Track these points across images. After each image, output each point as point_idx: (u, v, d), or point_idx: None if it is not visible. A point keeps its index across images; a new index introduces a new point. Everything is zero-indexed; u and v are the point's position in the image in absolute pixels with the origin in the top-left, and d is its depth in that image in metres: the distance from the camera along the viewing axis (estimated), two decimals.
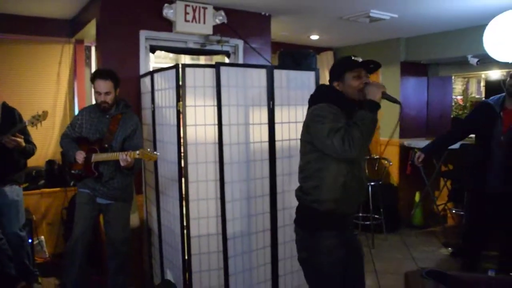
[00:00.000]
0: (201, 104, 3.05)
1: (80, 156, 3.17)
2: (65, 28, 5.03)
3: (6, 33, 4.78)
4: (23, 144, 3.39)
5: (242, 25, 4.48)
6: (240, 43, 4.54)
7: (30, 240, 3.94)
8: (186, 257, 3.13)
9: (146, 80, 3.71)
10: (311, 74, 3.46)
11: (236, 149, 3.10)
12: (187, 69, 3.00)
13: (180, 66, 3.02)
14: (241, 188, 3.13)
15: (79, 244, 3.24)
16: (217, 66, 2.98)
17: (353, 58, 2.30)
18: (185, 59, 5.07)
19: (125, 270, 3.43)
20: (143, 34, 3.99)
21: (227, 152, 3.05)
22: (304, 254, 2.35)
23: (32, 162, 4.57)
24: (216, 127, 3.02)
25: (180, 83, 3.02)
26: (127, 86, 3.66)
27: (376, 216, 5.35)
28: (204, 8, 4.11)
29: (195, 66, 3.13)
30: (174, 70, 3.06)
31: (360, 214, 5.35)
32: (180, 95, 3.04)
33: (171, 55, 5.05)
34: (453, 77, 6.74)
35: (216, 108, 3.01)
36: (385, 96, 2.23)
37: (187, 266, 3.11)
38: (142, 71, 3.99)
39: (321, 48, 6.85)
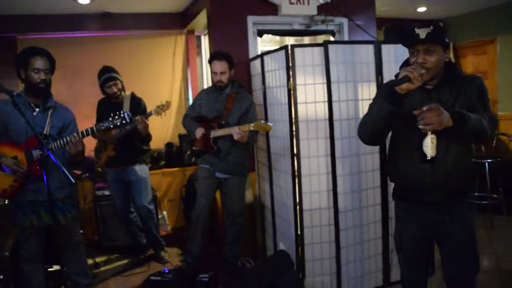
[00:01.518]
0: (311, 82, 3.15)
1: (199, 131, 3.47)
2: (177, 21, 5.45)
3: (127, 30, 5.30)
4: (148, 128, 3.76)
5: (346, 3, 4.48)
6: (344, 21, 4.54)
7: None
8: (299, 230, 3.28)
9: (256, 63, 3.90)
10: None
11: (346, 125, 3.17)
12: (296, 49, 3.12)
13: (289, 47, 3.14)
14: (351, 163, 3.20)
15: (203, 214, 3.58)
16: (325, 44, 3.06)
17: (415, 29, 2.02)
18: (289, 41, 5.19)
19: (240, 241, 3.70)
20: (251, 19, 4.19)
21: (337, 127, 3.13)
22: None
23: (153, 144, 5.05)
24: (326, 103, 3.11)
25: (290, 63, 3.15)
26: (238, 70, 3.88)
27: (494, 195, 5.03)
28: None
29: (303, 46, 3.23)
30: (283, 51, 3.19)
31: (476, 194, 5.07)
32: (290, 75, 3.17)
33: (276, 38, 5.20)
34: None
35: (325, 85, 3.10)
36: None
37: (299, 238, 3.26)
38: (251, 55, 4.20)
39: (428, 20, 6.51)
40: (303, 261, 3.26)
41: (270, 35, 4.66)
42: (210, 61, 3.54)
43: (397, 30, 4.94)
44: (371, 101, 3.15)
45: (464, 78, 2.11)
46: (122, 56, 5.40)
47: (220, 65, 3.46)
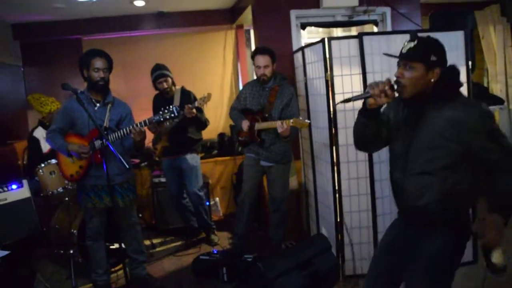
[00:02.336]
0: (348, 73, 3.28)
1: (245, 124, 3.70)
2: (227, 16, 5.70)
3: (179, 27, 5.64)
4: (197, 115, 4.00)
5: None
6: (387, 10, 4.55)
7: (207, 203, 4.70)
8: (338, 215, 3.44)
9: (298, 55, 4.06)
10: (459, 34, 3.36)
11: None
12: (333, 42, 3.26)
13: (326, 39, 3.28)
14: (387, 151, 3.28)
15: (247, 199, 3.83)
16: (360, 36, 3.17)
17: (405, 42, 1.94)
18: (337, 32, 5.27)
19: (284, 225, 3.90)
20: (294, 13, 4.34)
21: None
22: None
23: (206, 135, 5.37)
24: None
25: (327, 55, 3.29)
26: (282, 62, 4.05)
27: None
28: None
29: (339, 38, 3.35)
30: (321, 44, 3.34)
31: None
32: (327, 66, 3.31)
33: (322, 29, 5.30)
34: None
35: (361, 76, 3.21)
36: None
37: (339, 223, 3.42)
38: (294, 47, 4.35)
39: (484, 2, 6.25)
40: (343, 245, 3.42)
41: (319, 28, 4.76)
42: (253, 56, 3.74)
43: (445, 16, 4.86)
44: None
45: (461, 103, 1.89)
46: (176, 52, 5.76)
47: (263, 59, 3.66)
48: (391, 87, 1.86)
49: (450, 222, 1.94)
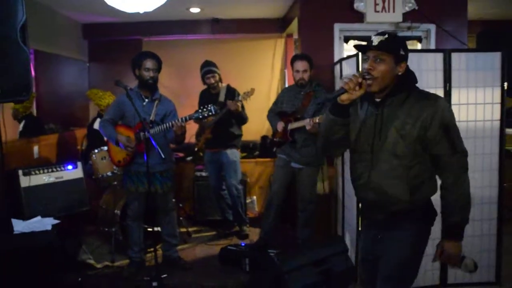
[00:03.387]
0: None
1: (280, 125, 3.98)
2: (277, 25, 5.98)
3: (233, 34, 5.99)
4: (240, 109, 4.33)
5: (434, 8, 4.54)
6: (432, 27, 4.62)
7: (244, 200, 4.97)
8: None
9: (337, 67, 4.25)
10: (496, 55, 3.42)
11: None
12: (364, 56, 3.43)
13: (360, 55, 3.46)
14: None
15: (275, 198, 4.08)
16: None
17: (372, 36, 2.01)
18: None
19: (311, 226, 4.10)
20: (337, 26, 4.54)
21: None
22: None
23: (250, 136, 5.68)
24: None
25: (360, 69, 3.47)
26: (323, 72, 4.27)
27: None
28: None
29: None
30: (355, 58, 3.52)
31: None
32: None
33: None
34: None
35: None
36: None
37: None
38: (336, 59, 4.54)
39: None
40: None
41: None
42: (292, 61, 4.01)
43: (493, 35, 4.84)
44: None
45: (420, 95, 2.01)
46: (227, 57, 6.10)
47: (302, 64, 3.92)
48: (364, 79, 1.91)
49: (417, 213, 2.04)
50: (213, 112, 3.38)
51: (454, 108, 3.36)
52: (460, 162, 1.98)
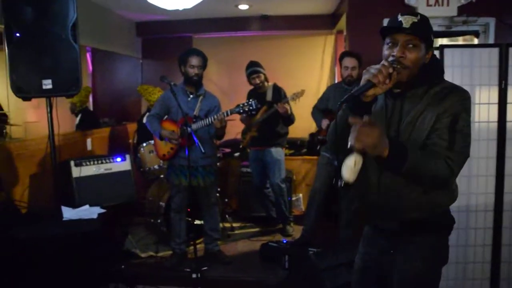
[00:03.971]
0: None
1: (324, 123, 3.93)
2: (327, 22, 5.90)
3: (282, 30, 5.98)
4: (289, 111, 4.33)
5: (493, 1, 4.30)
6: (491, 20, 4.36)
7: (289, 198, 4.96)
8: None
9: None
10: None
11: None
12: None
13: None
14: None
15: (317, 196, 4.04)
16: (440, 49, 3.17)
17: (398, 16, 1.68)
18: (443, 41, 5.14)
19: (353, 226, 4.01)
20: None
21: None
22: None
23: (298, 133, 5.66)
24: None
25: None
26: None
27: None
28: None
29: None
30: None
31: None
32: None
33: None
34: None
35: None
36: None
37: None
38: None
39: None
40: None
41: None
42: (340, 59, 3.95)
43: None
44: (490, 105, 3.19)
45: (444, 88, 1.68)
46: (277, 53, 6.12)
47: (351, 61, 3.86)
48: (394, 69, 1.57)
49: (434, 223, 1.75)
50: (254, 107, 3.41)
51: (509, 107, 3.19)
52: (450, 159, 1.56)
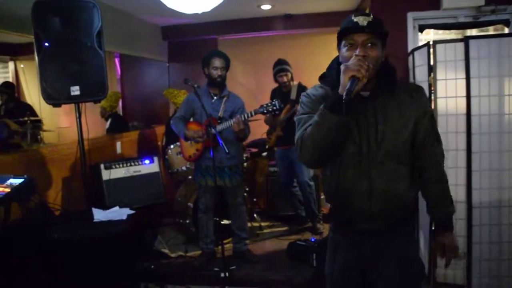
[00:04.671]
0: (452, 77, 3.23)
1: None
2: None
3: (305, 28, 5.96)
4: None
5: None
6: None
7: (317, 196, 4.94)
8: None
9: (410, 58, 4.06)
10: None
11: (487, 120, 3.15)
12: (438, 46, 3.24)
13: (431, 42, 3.28)
14: (490, 159, 3.16)
15: None
16: (465, 40, 3.10)
17: (352, 17, 1.64)
18: (472, 31, 5.00)
19: None
20: (411, 15, 4.32)
21: (475, 122, 3.15)
22: None
23: None
24: (465, 98, 3.16)
25: (432, 58, 3.29)
26: (397, 63, 4.05)
27: None
28: None
29: (446, 42, 3.30)
30: (425, 48, 3.34)
31: None
32: (431, 70, 3.31)
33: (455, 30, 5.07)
34: None
35: (465, 80, 3.15)
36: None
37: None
38: (410, 49, 4.33)
39: None
40: (435, 251, 3.38)
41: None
42: None
43: None
44: None
45: (406, 86, 1.79)
46: (301, 52, 6.10)
47: None
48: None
49: (412, 216, 1.94)
50: (277, 107, 3.43)
51: None
52: (442, 153, 1.89)
